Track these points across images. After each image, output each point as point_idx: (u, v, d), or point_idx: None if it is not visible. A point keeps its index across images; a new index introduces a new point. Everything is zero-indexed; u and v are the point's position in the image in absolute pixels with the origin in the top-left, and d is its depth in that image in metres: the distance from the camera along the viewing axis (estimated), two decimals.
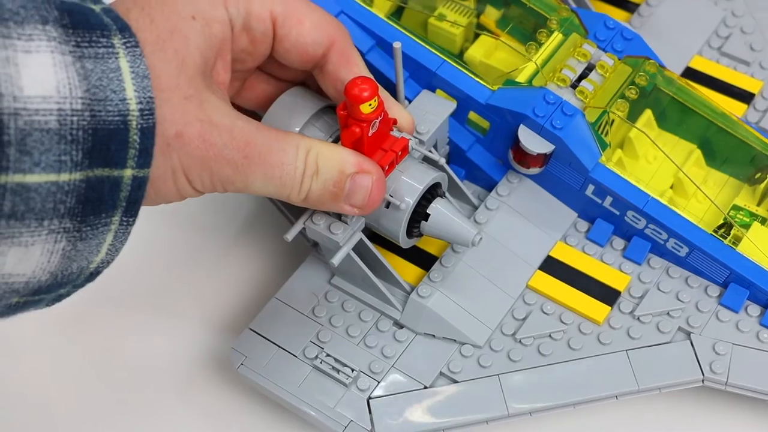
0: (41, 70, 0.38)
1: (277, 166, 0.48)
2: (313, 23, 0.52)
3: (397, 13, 0.68)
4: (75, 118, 0.38)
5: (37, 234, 0.39)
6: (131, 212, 0.42)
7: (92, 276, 0.44)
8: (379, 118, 0.53)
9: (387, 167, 0.55)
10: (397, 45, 0.57)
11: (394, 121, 0.56)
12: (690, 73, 0.70)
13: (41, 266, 0.40)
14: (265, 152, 0.47)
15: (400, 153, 0.56)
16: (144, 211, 0.44)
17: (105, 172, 0.40)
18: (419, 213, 0.57)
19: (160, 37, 0.44)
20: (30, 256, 0.39)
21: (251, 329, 0.60)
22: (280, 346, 0.59)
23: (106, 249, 0.43)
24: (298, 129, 0.58)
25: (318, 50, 0.53)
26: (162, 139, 0.43)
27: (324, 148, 0.50)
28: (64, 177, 0.39)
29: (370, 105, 0.52)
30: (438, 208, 0.57)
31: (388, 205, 0.56)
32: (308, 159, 0.50)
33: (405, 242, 0.58)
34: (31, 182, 0.38)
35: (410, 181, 0.56)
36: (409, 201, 0.56)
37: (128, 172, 0.41)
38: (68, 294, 0.45)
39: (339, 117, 0.54)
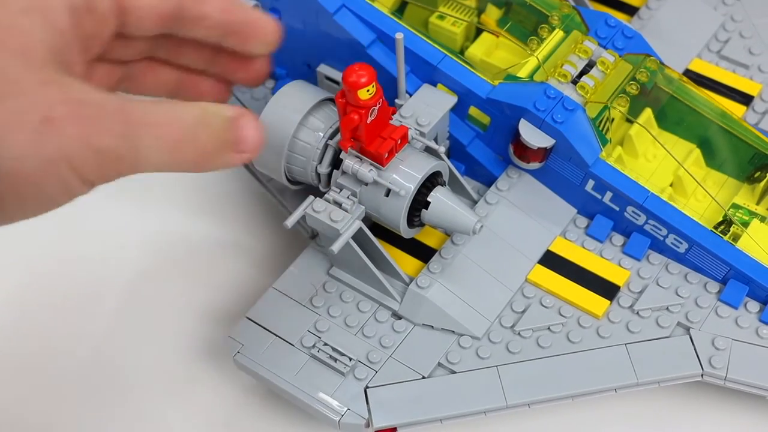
0: None
1: (165, 122, 0.43)
2: None
3: (400, 12, 0.69)
4: None
5: None
6: None
7: None
8: (378, 105, 0.53)
9: (386, 154, 0.55)
10: (399, 36, 0.57)
11: (394, 110, 0.56)
12: (689, 76, 0.70)
13: None
14: (147, 114, 0.43)
15: (399, 141, 0.56)
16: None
17: None
18: (420, 201, 0.57)
19: None
20: None
21: (248, 318, 0.59)
22: (277, 335, 0.59)
23: None
24: (298, 121, 0.58)
25: (169, 4, 0.48)
26: (29, 131, 0.39)
27: (204, 104, 0.46)
28: None
29: (368, 91, 0.52)
30: (438, 196, 0.57)
31: (388, 193, 0.56)
32: (194, 111, 0.44)
33: (406, 231, 0.58)
34: None
35: (410, 169, 0.56)
36: (410, 187, 0.56)
37: None
38: None
39: (337, 104, 0.54)
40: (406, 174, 0.56)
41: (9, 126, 0.38)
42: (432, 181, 0.57)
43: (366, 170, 0.55)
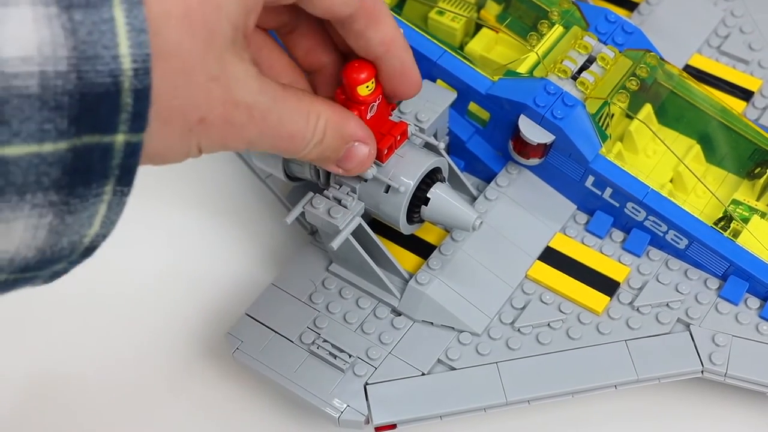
0: (20, 27, 0.34)
1: (287, 138, 0.46)
2: None
3: (399, 7, 0.69)
4: (60, 82, 0.35)
5: (18, 209, 0.36)
6: (125, 181, 0.39)
7: (88, 251, 0.41)
8: (377, 101, 0.53)
9: (386, 151, 0.55)
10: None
11: (393, 107, 0.56)
12: (689, 71, 0.70)
13: (25, 243, 0.37)
14: (277, 126, 0.46)
15: (399, 137, 0.56)
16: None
17: (94, 138, 0.37)
18: (419, 198, 0.57)
19: (190, 7, 0.39)
20: (11, 232, 0.36)
21: (248, 314, 0.59)
22: (276, 332, 0.59)
23: (100, 221, 0.40)
24: None
25: (344, 9, 0.49)
26: (184, 124, 0.41)
27: (334, 116, 0.49)
28: (48, 147, 0.35)
29: (367, 87, 0.52)
30: (438, 192, 0.57)
31: (387, 189, 0.56)
32: (317, 128, 0.48)
33: (405, 228, 0.58)
34: (10, 155, 0.35)
35: (410, 165, 0.56)
36: (409, 183, 0.56)
37: (120, 138, 0.38)
38: (65, 271, 0.42)
39: (337, 101, 0.54)
40: (405, 170, 0.56)
41: (169, 119, 0.40)
42: (432, 177, 0.57)
43: None
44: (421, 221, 0.59)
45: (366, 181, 0.56)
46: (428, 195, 0.57)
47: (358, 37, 0.50)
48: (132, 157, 0.38)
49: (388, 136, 0.55)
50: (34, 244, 0.38)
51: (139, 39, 0.37)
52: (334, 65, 0.54)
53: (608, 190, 0.61)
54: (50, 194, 0.36)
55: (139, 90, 0.37)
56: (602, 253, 0.62)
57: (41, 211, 0.36)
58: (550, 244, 0.62)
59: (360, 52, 0.51)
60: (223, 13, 0.41)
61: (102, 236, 0.40)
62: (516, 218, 0.63)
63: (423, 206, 0.57)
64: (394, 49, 0.51)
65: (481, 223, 0.57)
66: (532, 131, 0.61)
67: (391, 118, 0.57)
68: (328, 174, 0.58)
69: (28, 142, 0.35)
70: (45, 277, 0.41)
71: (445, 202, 0.57)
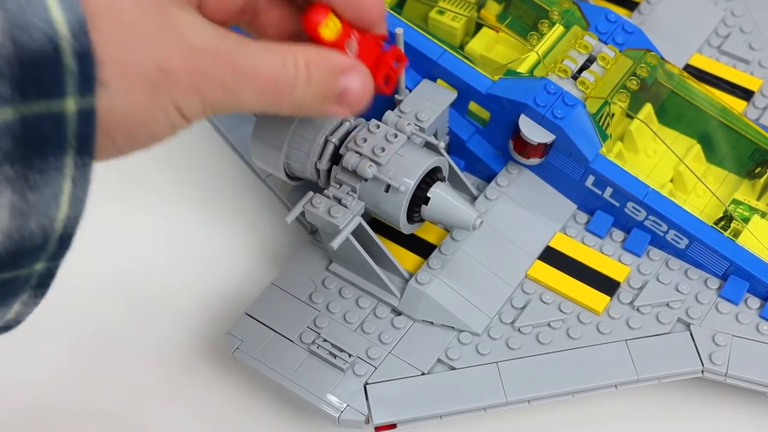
0: None
1: (269, 80, 0.45)
2: None
3: (399, 7, 0.69)
4: None
5: None
6: (85, 150, 0.37)
7: (64, 241, 0.39)
8: (353, 38, 0.50)
9: (386, 83, 0.52)
10: (399, 31, 0.57)
11: (383, 37, 0.52)
12: (689, 71, 0.70)
13: None
14: (252, 65, 0.44)
15: (397, 64, 0.53)
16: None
17: (42, 106, 0.35)
18: (419, 197, 0.57)
19: None
20: None
21: (248, 314, 0.59)
22: (276, 331, 0.58)
23: (68, 201, 0.38)
24: (290, 128, 0.58)
25: None
26: (146, 80, 0.39)
27: (312, 53, 0.47)
28: None
29: (328, 27, 0.49)
30: (438, 192, 0.57)
31: (387, 188, 0.56)
32: (298, 67, 0.46)
33: (406, 227, 0.58)
34: None
35: (410, 165, 0.56)
36: (409, 183, 0.55)
37: (70, 103, 0.36)
38: (49, 272, 0.40)
39: None
40: (405, 169, 0.56)
41: (126, 75, 0.39)
42: (432, 176, 0.57)
43: (365, 165, 0.55)
44: (422, 220, 0.59)
45: (366, 180, 0.56)
46: (428, 194, 0.57)
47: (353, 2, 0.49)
48: (87, 123, 0.37)
49: (382, 66, 0.52)
50: None
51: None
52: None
53: (608, 190, 0.61)
54: (4, 168, 0.35)
55: (80, 52, 0.36)
56: (602, 252, 0.62)
57: None
58: (551, 244, 0.62)
59: (352, 17, 0.50)
60: None
61: (74, 219, 0.39)
62: (516, 218, 0.63)
63: (423, 205, 0.57)
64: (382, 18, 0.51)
65: (482, 222, 0.57)
66: (532, 131, 0.61)
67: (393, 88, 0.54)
68: (328, 173, 0.58)
69: None
70: (29, 282, 0.39)
71: (446, 201, 0.57)
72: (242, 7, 0.51)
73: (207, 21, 0.43)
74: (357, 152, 0.56)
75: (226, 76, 0.43)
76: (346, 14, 0.50)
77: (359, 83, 0.48)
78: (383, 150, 0.56)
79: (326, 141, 0.58)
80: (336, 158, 0.58)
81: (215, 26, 0.43)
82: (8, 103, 0.35)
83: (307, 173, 0.59)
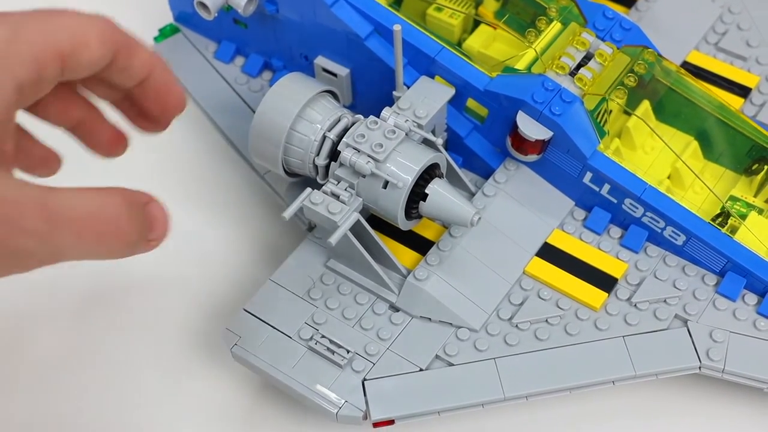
0: None
1: (87, 217, 0.41)
2: (98, 37, 0.45)
3: (397, 4, 0.69)
4: None
5: None
6: None
7: None
8: None
9: None
10: (397, 28, 0.57)
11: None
12: (687, 68, 0.70)
13: None
14: (67, 208, 0.41)
15: None
16: None
17: None
18: (417, 193, 0.57)
19: None
20: None
21: (246, 310, 0.59)
22: (274, 327, 0.58)
23: None
24: (296, 113, 0.58)
25: (105, 59, 0.46)
26: None
27: (121, 189, 0.44)
28: None
29: None
30: (436, 188, 0.57)
31: (386, 184, 0.56)
32: (116, 199, 0.43)
33: (404, 224, 0.58)
34: None
35: (408, 161, 0.56)
36: (407, 179, 0.56)
37: None
38: None
39: None
40: (403, 166, 0.56)
41: None
42: (430, 173, 0.57)
43: (364, 162, 0.55)
44: (420, 217, 0.59)
45: (364, 176, 0.56)
46: (426, 191, 0.57)
47: (123, 70, 0.48)
48: None
49: None
50: None
51: None
52: (92, 114, 0.51)
53: (606, 187, 0.61)
54: None
55: None
56: (600, 249, 0.62)
57: None
58: (548, 240, 0.62)
59: (128, 83, 0.49)
60: None
61: None
62: (514, 214, 0.63)
63: (421, 202, 0.57)
64: (157, 67, 0.50)
65: (480, 218, 0.57)
66: (530, 127, 0.61)
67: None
68: (326, 169, 0.58)
69: None
70: None
71: (444, 197, 0.57)
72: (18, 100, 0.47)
73: (10, 175, 0.41)
74: (355, 148, 0.56)
75: (38, 223, 0.40)
76: (157, 102, 0.50)
77: (164, 212, 0.47)
78: (381, 146, 0.56)
79: (324, 137, 0.58)
80: (334, 154, 0.58)
81: (21, 180, 0.41)
82: None
83: (306, 169, 0.59)
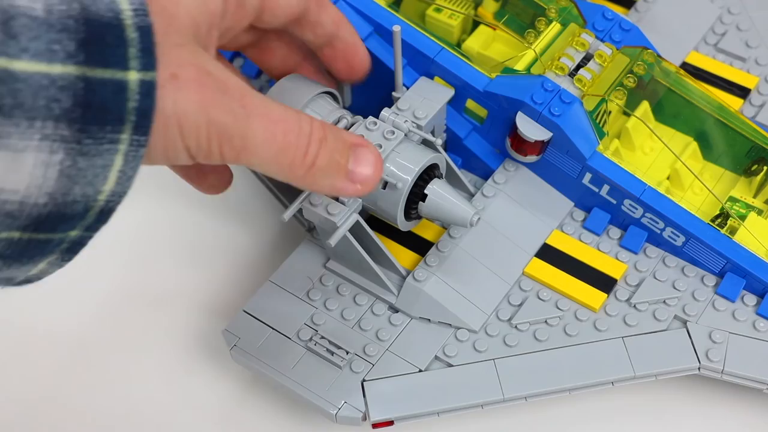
0: (19, 168, 0.35)
1: (280, 121, 0.44)
2: None
3: (396, 4, 0.69)
4: (63, 8, 0.35)
5: (28, 137, 0.35)
6: (142, 129, 0.38)
7: (103, 215, 0.39)
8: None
9: None
10: (396, 28, 0.57)
11: None
12: (686, 69, 0.70)
13: (36, 182, 0.36)
14: (264, 108, 0.43)
15: None
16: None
17: (106, 72, 0.36)
18: (417, 194, 0.57)
19: None
20: (21, 165, 0.35)
21: (245, 311, 0.59)
22: (273, 328, 0.58)
23: (116, 176, 0.38)
24: None
25: (300, 7, 0.51)
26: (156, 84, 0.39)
27: (324, 122, 0.48)
28: (57, 69, 0.35)
29: None
30: (435, 188, 0.57)
31: (385, 185, 0.56)
32: (314, 123, 0.46)
33: (403, 224, 0.58)
34: (18, 70, 0.34)
35: (407, 162, 0.56)
36: (407, 179, 0.56)
37: (133, 75, 0.37)
38: (81, 241, 0.40)
39: None
40: (402, 166, 0.56)
41: None
42: (429, 173, 0.57)
43: None
44: (419, 218, 0.59)
45: None
46: (426, 191, 0.57)
47: (314, 26, 0.53)
48: (148, 98, 0.37)
49: None
50: (45, 186, 0.36)
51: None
52: (308, 59, 0.56)
53: (605, 187, 0.61)
54: (61, 126, 0.36)
55: (142, 27, 0.37)
56: (599, 250, 0.62)
57: (52, 145, 0.36)
58: (548, 241, 0.62)
59: (317, 40, 0.54)
60: (183, 6, 0.42)
61: (117, 195, 0.39)
62: (513, 215, 0.63)
63: (421, 202, 0.57)
64: (344, 25, 0.55)
65: (479, 219, 0.57)
66: (529, 128, 0.61)
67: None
68: None
69: (38, 60, 0.34)
70: (60, 243, 0.39)
71: (443, 198, 0.57)
72: (254, 41, 0.54)
73: (218, 62, 0.43)
74: None
75: (236, 103, 0.42)
76: (342, 62, 0.57)
77: (371, 158, 0.49)
78: (380, 147, 0.56)
79: None
80: None
81: (227, 68, 0.45)
82: (72, 59, 0.35)
83: None
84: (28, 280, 0.41)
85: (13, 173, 0.35)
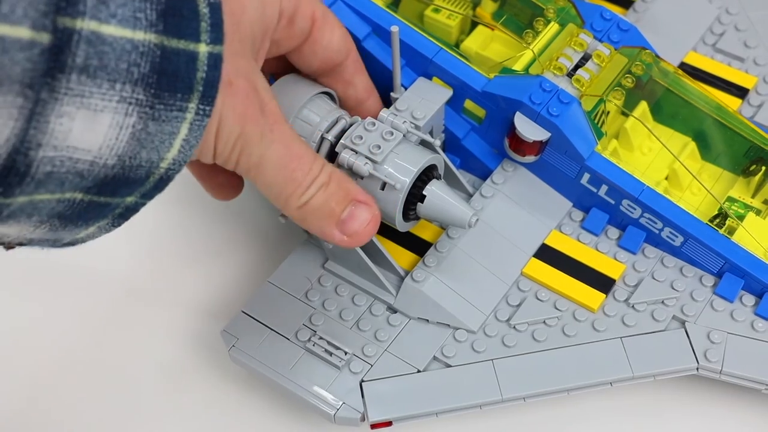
0: (95, 128, 0.37)
1: (296, 156, 0.48)
2: (342, 33, 0.56)
3: (394, 5, 0.69)
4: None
5: (108, 98, 0.37)
6: (208, 98, 0.40)
7: (162, 182, 0.41)
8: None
9: None
10: (394, 29, 0.57)
11: None
12: (684, 69, 0.70)
13: (109, 143, 0.38)
14: (288, 140, 0.47)
15: None
16: None
17: (180, 44, 0.38)
18: (415, 195, 0.57)
19: None
20: (98, 125, 0.37)
21: (243, 312, 0.59)
22: (272, 329, 0.58)
23: (180, 144, 0.40)
24: (293, 114, 0.58)
25: (339, 58, 0.56)
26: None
27: (336, 171, 0.51)
28: (139, 35, 0.37)
29: None
30: (433, 189, 0.57)
31: (383, 186, 0.56)
32: (324, 168, 0.50)
33: (402, 225, 0.58)
34: (106, 33, 0.36)
35: (405, 163, 0.56)
36: (405, 180, 0.55)
37: (203, 48, 0.39)
38: (135, 207, 0.42)
39: None
40: (401, 167, 0.56)
41: None
42: (427, 174, 0.57)
43: (362, 163, 0.55)
44: (417, 218, 0.59)
45: (362, 178, 0.56)
46: (424, 192, 0.57)
47: (347, 84, 0.57)
48: (215, 70, 0.40)
49: None
50: (117, 148, 0.38)
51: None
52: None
53: (604, 188, 0.61)
54: (138, 90, 0.37)
55: (212, 3, 0.39)
56: (598, 250, 0.62)
57: (128, 107, 0.37)
58: (546, 242, 0.62)
59: (348, 101, 0.58)
60: (246, 14, 0.45)
61: (178, 164, 0.41)
62: (512, 215, 0.63)
63: (419, 203, 0.57)
64: (374, 95, 0.59)
65: (477, 220, 0.57)
66: (527, 128, 0.61)
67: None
68: None
69: (123, 26, 0.36)
70: (116, 208, 0.41)
71: (441, 199, 0.57)
72: (274, 70, 0.58)
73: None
74: (353, 150, 0.56)
75: (267, 128, 0.46)
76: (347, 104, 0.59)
77: (366, 216, 0.52)
78: (379, 148, 0.56)
79: (322, 138, 0.57)
80: (332, 156, 0.57)
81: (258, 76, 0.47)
82: (153, 28, 0.37)
83: None
84: (71, 243, 0.43)
85: (90, 133, 0.37)
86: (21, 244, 0.42)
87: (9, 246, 0.42)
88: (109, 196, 0.40)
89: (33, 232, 0.40)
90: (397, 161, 0.56)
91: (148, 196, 0.42)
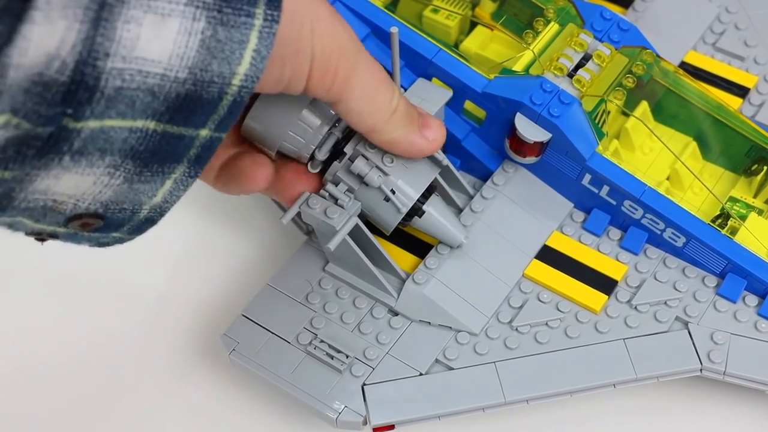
0: (164, 34, 0.36)
1: (377, 67, 0.49)
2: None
3: (393, 5, 0.68)
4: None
5: (175, 1, 0.36)
6: (275, 3, 0.39)
7: (235, 106, 0.40)
8: None
9: None
10: (394, 30, 0.56)
11: None
12: (685, 68, 0.70)
13: (178, 51, 0.36)
14: (371, 65, 0.49)
15: None
16: None
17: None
18: (414, 208, 0.57)
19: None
20: (166, 30, 0.36)
21: (244, 315, 0.59)
22: (273, 332, 0.58)
23: (250, 56, 0.39)
24: (307, 99, 0.57)
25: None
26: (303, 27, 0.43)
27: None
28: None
29: None
30: (431, 211, 0.58)
31: (387, 199, 0.56)
32: (396, 92, 0.51)
33: (390, 230, 0.58)
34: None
35: (413, 179, 0.56)
36: (408, 204, 0.56)
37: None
38: (211, 145, 0.40)
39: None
40: (408, 183, 0.56)
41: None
42: (428, 188, 0.57)
43: (375, 175, 0.55)
44: (408, 221, 0.59)
45: (367, 185, 0.56)
46: (424, 208, 0.57)
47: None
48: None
49: None
50: (186, 57, 0.37)
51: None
52: None
53: (605, 188, 0.61)
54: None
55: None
56: (600, 251, 0.62)
57: (195, 12, 0.36)
58: (548, 243, 0.62)
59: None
60: None
61: (251, 80, 0.40)
62: (513, 217, 0.62)
63: (416, 217, 0.57)
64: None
65: (467, 240, 0.59)
66: (528, 129, 0.60)
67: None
68: (322, 163, 0.57)
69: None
70: (191, 149, 0.40)
71: (437, 221, 0.58)
72: None
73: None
74: (366, 157, 0.55)
75: (353, 49, 0.47)
76: None
77: (436, 122, 0.54)
78: (392, 161, 0.55)
79: (330, 133, 0.56)
80: (335, 151, 0.56)
81: None
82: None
83: (299, 156, 0.57)
84: (150, 219, 0.43)
85: (158, 40, 0.36)
86: (87, 222, 0.41)
87: (40, 238, 0.41)
88: (183, 125, 0.39)
89: (108, 184, 0.39)
90: (405, 175, 0.56)
91: (223, 126, 0.40)
